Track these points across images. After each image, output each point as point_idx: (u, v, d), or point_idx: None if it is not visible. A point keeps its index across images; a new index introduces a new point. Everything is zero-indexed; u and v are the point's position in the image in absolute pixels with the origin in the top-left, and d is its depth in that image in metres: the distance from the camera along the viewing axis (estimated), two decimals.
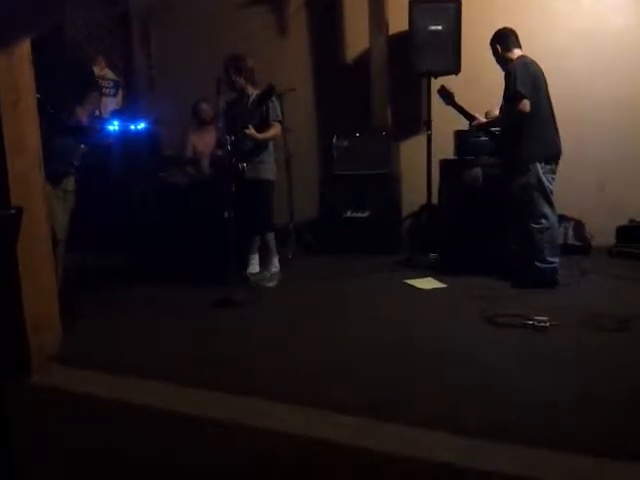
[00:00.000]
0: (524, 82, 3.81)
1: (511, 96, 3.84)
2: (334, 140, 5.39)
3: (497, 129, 4.23)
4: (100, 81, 6.19)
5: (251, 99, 4.25)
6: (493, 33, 4.15)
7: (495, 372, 2.53)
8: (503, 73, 4.09)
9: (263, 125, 4.17)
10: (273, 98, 4.15)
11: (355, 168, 5.30)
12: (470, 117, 4.25)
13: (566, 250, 4.87)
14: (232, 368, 2.68)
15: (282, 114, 4.39)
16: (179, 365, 2.73)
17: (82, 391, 2.40)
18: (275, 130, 4.21)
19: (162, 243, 4.78)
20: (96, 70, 6.16)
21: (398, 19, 5.24)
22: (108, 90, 6.26)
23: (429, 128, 5.05)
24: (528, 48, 5.22)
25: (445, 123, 5.05)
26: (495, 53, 4.13)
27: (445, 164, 4.95)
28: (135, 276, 4.53)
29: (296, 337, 3.14)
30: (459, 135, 4.97)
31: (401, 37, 5.30)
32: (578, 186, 5.06)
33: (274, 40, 5.93)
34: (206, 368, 2.68)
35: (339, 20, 5.83)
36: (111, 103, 6.27)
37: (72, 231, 3.60)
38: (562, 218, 5.02)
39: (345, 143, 5.37)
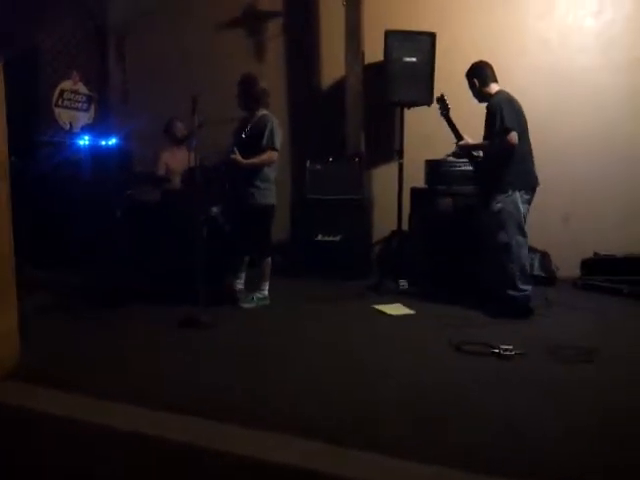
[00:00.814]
0: (511, 118, 3.86)
1: (499, 131, 3.87)
2: (307, 164, 5.43)
3: (478, 154, 4.26)
4: (72, 95, 6.14)
5: (252, 121, 4.22)
6: (469, 67, 4.20)
7: (461, 399, 2.53)
8: (476, 104, 4.17)
9: (257, 150, 4.13)
10: (274, 125, 4.13)
11: (327, 193, 5.33)
12: (459, 136, 4.24)
13: (533, 281, 4.96)
14: (192, 389, 2.62)
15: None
16: (139, 385, 2.66)
17: (37, 408, 2.31)
18: (265, 156, 4.13)
19: (131, 261, 4.69)
20: (69, 84, 6.12)
21: (373, 49, 5.34)
22: (80, 104, 6.21)
23: (401, 156, 5.13)
24: (500, 83, 5.40)
25: (417, 152, 5.15)
26: (472, 87, 4.17)
27: (416, 192, 5.02)
28: (104, 293, 4.43)
29: (260, 360, 3.09)
30: (430, 164, 5.06)
31: (376, 67, 5.40)
32: (544, 218, 5.17)
33: (250, 64, 5.95)
34: (166, 389, 2.62)
35: (316, 48, 5.92)
36: (83, 117, 6.20)
37: (40, 247, 3.51)
38: (529, 249, 5.12)
39: (318, 168, 5.41)
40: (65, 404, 2.38)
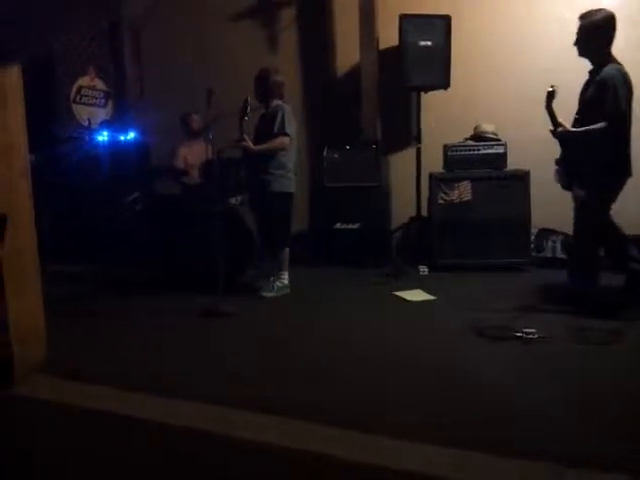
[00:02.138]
0: (625, 99, 3.36)
1: (610, 112, 3.35)
2: (324, 152, 5.42)
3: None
4: (90, 91, 6.20)
5: (269, 111, 4.26)
6: (599, 16, 3.47)
7: (486, 384, 2.52)
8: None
9: (269, 137, 4.16)
10: (285, 112, 4.14)
11: (345, 180, 5.32)
12: (557, 124, 3.77)
13: (555, 264, 4.91)
14: (213, 379, 2.65)
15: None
16: (164, 376, 2.69)
17: (66, 402, 2.36)
18: (277, 142, 4.15)
19: (152, 252, 4.75)
20: (86, 80, 6.18)
21: (388, 34, 5.30)
22: (98, 100, 6.27)
23: (418, 142, 5.09)
24: (518, 65, 5.32)
25: (434, 137, 5.10)
26: (591, 39, 3.49)
27: (434, 177, 4.99)
28: (125, 286, 4.50)
29: (282, 349, 3.11)
30: (448, 149, 5.02)
31: (391, 52, 5.35)
32: (566, 200, 5.09)
33: (265, 54, 5.96)
34: (191, 379, 2.65)
35: (330, 35, 5.88)
36: (101, 113, 6.27)
37: (61, 240, 3.58)
38: (551, 232, 5.08)
39: (335, 156, 5.40)
40: (92, 396, 2.42)
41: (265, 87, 4.25)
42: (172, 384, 2.57)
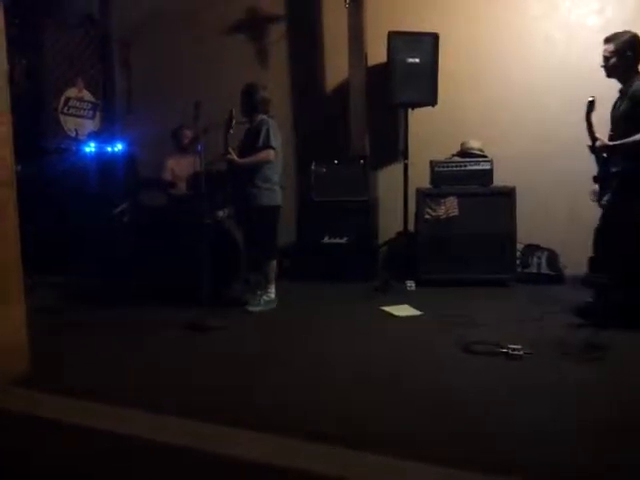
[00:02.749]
0: None
1: None
2: (312, 167, 5.43)
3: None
4: (77, 102, 6.18)
5: (253, 125, 4.27)
6: (627, 36, 3.61)
7: (468, 400, 2.52)
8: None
9: (253, 151, 4.16)
10: (269, 126, 4.15)
11: (333, 195, 5.34)
12: (594, 137, 3.81)
13: (540, 280, 4.95)
14: (199, 394, 2.62)
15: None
16: (147, 390, 2.66)
17: (46, 416, 2.32)
18: (262, 155, 4.15)
19: (138, 264, 4.72)
20: (74, 92, 6.16)
21: (377, 51, 5.35)
22: (86, 112, 6.25)
23: (406, 157, 5.13)
24: (504, 83, 5.41)
25: (422, 153, 5.15)
26: (621, 57, 3.58)
27: (421, 192, 5.02)
28: (110, 298, 4.46)
29: (268, 364, 3.09)
30: (435, 165, 5.06)
31: (380, 68, 5.40)
32: (552, 216, 5.16)
33: (254, 68, 5.99)
34: (173, 394, 2.62)
35: (319, 50, 5.93)
36: (88, 124, 6.25)
37: (47, 252, 3.54)
38: (536, 248, 5.13)
39: (323, 170, 5.42)
40: (72, 411, 2.38)
41: (251, 102, 4.26)
42: (155, 399, 2.54)
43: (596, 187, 3.83)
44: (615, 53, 3.58)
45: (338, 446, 2.04)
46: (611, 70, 3.64)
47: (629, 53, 3.55)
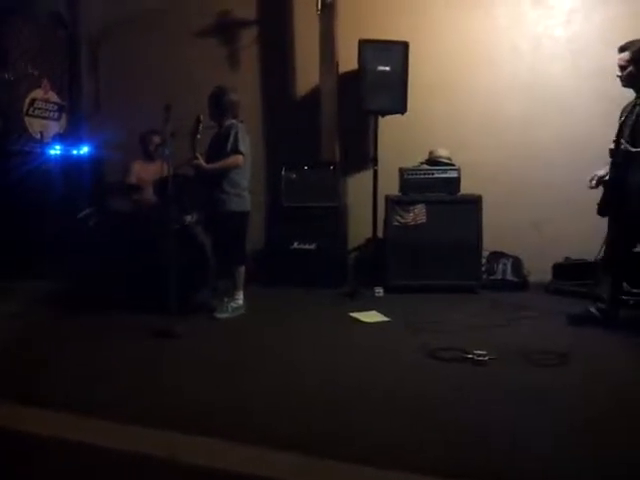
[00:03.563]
0: None
1: None
2: (282, 172, 5.43)
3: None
4: (43, 104, 6.05)
5: (221, 130, 4.23)
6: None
7: (437, 406, 2.55)
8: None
9: (222, 156, 4.13)
10: (238, 130, 4.13)
11: (303, 200, 5.34)
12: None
13: (504, 286, 5.04)
14: (166, 402, 2.59)
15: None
16: (114, 399, 2.62)
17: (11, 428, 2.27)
18: (231, 161, 4.12)
19: (103, 270, 4.64)
20: (40, 93, 6.03)
21: (348, 58, 5.38)
22: (51, 113, 6.11)
23: (375, 164, 5.17)
24: (472, 92, 5.50)
25: (391, 160, 5.19)
26: (637, 68, 3.49)
27: (390, 199, 5.06)
28: (75, 304, 4.37)
29: (236, 371, 3.07)
30: (404, 172, 5.11)
31: (350, 75, 5.44)
32: (516, 224, 5.26)
33: (224, 72, 5.95)
34: (141, 402, 2.59)
35: (290, 56, 5.93)
36: (54, 127, 6.11)
37: (8, 256, 3.46)
38: (501, 255, 5.22)
39: (293, 176, 5.42)
40: (41, 422, 2.33)
41: (219, 106, 4.23)
42: (120, 407, 2.50)
43: (597, 173, 3.72)
44: (631, 62, 3.47)
45: (302, 454, 2.04)
46: (628, 79, 3.55)
47: (634, 63, 3.46)
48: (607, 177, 3.63)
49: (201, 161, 4.11)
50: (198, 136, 4.06)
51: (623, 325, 3.71)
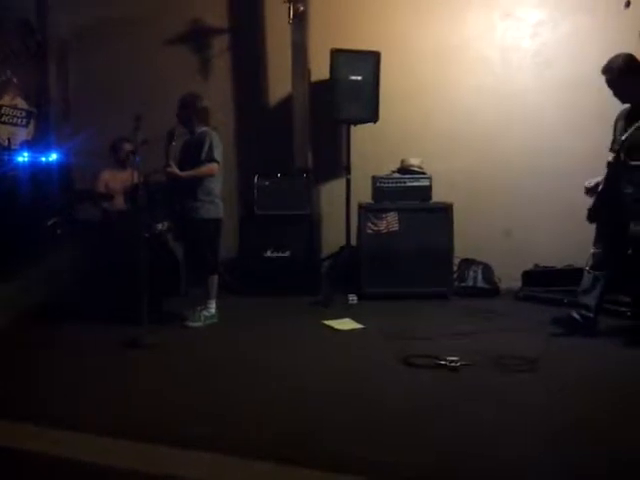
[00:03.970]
0: None
1: None
2: (255, 180, 5.41)
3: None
4: (10, 110, 5.93)
5: (194, 137, 4.21)
6: (622, 57, 3.53)
7: (410, 412, 2.56)
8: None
9: (196, 164, 4.10)
10: (212, 138, 4.11)
11: (276, 208, 5.33)
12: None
13: (475, 293, 5.10)
14: (137, 414, 2.55)
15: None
16: (82, 410, 2.56)
17: None
18: (206, 169, 4.11)
19: (72, 280, 4.54)
20: (7, 99, 5.91)
21: (320, 67, 5.42)
22: (19, 120, 6.00)
23: (348, 172, 5.20)
24: (442, 101, 5.58)
25: (363, 168, 5.23)
26: (627, 81, 3.50)
27: (363, 207, 5.09)
28: (42, 315, 4.27)
29: (209, 381, 3.04)
30: (376, 180, 5.15)
31: (322, 84, 5.46)
32: (486, 231, 5.34)
33: (196, 80, 5.91)
34: (112, 413, 2.54)
35: (262, 64, 5.94)
36: (22, 133, 6.00)
37: None
38: (472, 262, 5.28)
39: (266, 183, 5.41)
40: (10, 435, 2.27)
41: (190, 113, 4.20)
42: (89, 419, 2.45)
43: (592, 182, 3.70)
44: (619, 80, 3.51)
45: (276, 463, 2.03)
46: (623, 97, 3.57)
47: (631, 74, 3.48)
48: (601, 186, 3.65)
49: (175, 169, 4.07)
50: (173, 143, 4.03)
51: (602, 332, 3.76)
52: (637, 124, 3.44)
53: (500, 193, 5.42)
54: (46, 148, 5.77)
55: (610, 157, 3.57)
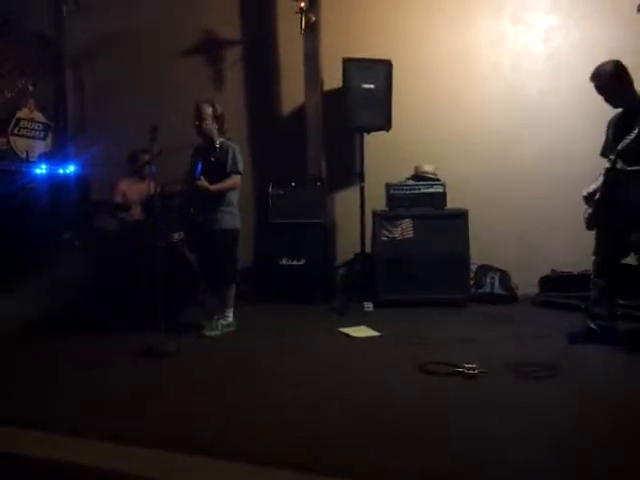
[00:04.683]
0: None
1: None
2: (270, 189, 5.45)
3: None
4: (29, 123, 6.04)
5: (217, 148, 4.20)
6: (610, 63, 3.52)
7: (427, 420, 2.55)
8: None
9: (221, 176, 4.14)
10: (235, 151, 4.16)
11: (290, 217, 5.36)
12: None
13: (492, 299, 5.07)
14: (159, 422, 2.56)
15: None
16: (99, 417, 2.59)
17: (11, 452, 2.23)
18: (231, 182, 4.16)
19: (90, 289, 4.59)
20: (25, 113, 6.02)
21: (332, 76, 5.45)
22: (37, 133, 6.10)
23: (362, 180, 5.21)
24: (455, 108, 5.58)
25: (377, 175, 5.24)
26: (617, 86, 3.49)
27: (377, 215, 5.09)
28: (61, 324, 4.32)
29: (226, 389, 3.05)
30: (390, 187, 5.16)
31: (335, 93, 5.50)
32: (502, 237, 5.31)
33: (209, 91, 5.97)
34: (129, 421, 2.56)
35: (275, 75, 5.99)
36: (40, 146, 6.10)
37: None
38: (488, 268, 5.25)
39: (281, 192, 5.44)
40: (28, 441, 2.30)
41: (210, 119, 4.17)
42: (111, 427, 2.47)
43: (590, 189, 3.65)
44: (608, 86, 3.52)
45: (296, 470, 2.03)
46: (615, 103, 3.57)
47: (620, 79, 3.48)
48: (598, 194, 3.58)
49: (205, 182, 4.08)
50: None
51: (624, 339, 3.65)
52: (633, 134, 3.36)
53: (515, 199, 5.39)
54: (63, 160, 5.86)
55: (607, 164, 3.51)
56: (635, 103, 3.49)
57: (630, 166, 3.41)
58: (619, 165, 3.42)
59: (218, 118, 4.22)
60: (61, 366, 3.49)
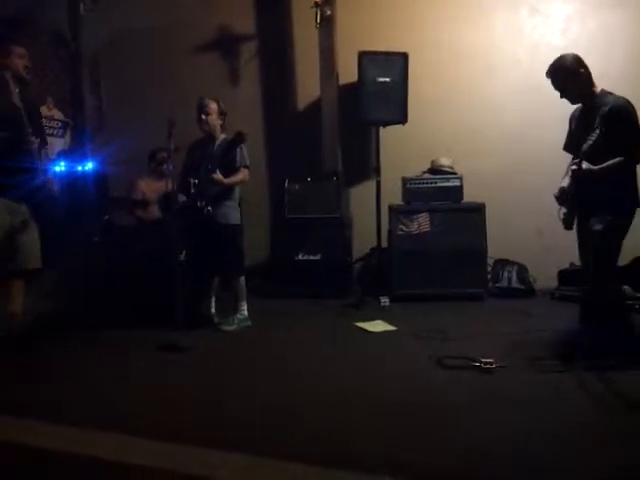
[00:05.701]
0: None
1: (628, 141, 3.20)
2: (286, 184, 5.46)
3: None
4: (47, 121, 6.10)
5: (217, 143, 4.23)
6: (568, 58, 3.45)
7: (443, 414, 2.54)
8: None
9: (230, 170, 4.15)
10: (243, 145, 4.15)
11: (306, 212, 5.37)
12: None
13: (510, 293, 5.04)
14: (170, 415, 2.59)
15: None
16: (116, 412, 2.62)
17: (17, 441, 2.27)
18: (242, 176, 4.19)
19: (108, 286, 4.65)
20: (44, 110, 6.08)
21: (348, 70, 5.43)
22: (56, 131, 6.17)
23: (378, 174, 5.19)
24: (472, 101, 5.53)
25: (393, 169, 5.22)
26: (575, 81, 3.39)
27: (393, 209, 5.08)
28: (79, 319, 4.37)
29: (245, 383, 3.07)
30: (406, 181, 5.14)
31: (350, 87, 5.48)
32: (520, 231, 5.27)
33: (226, 86, 6.01)
34: (145, 413, 2.59)
35: (290, 69, 5.99)
36: (58, 144, 6.17)
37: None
38: (506, 262, 5.22)
39: (297, 187, 5.45)
40: (50, 435, 2.34)
41: (215, 115, 4.22)
42: (125, 420, 2.50)
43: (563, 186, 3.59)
44: (563, 81, 3.44)
45: (313, 465, 2.04)
46: (571, 98, 3.52)
47: (575, 74, 3.39)
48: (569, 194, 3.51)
49: (220, 176, 4.07)
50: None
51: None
52: (594, 135, 3.30)
53: (533, 192, 5.32)
54: (82, 157, 5.92)
55: (573, 165, 3.39)
56: (594, 101, 3.38)
57: (595, 164, 3.28)
58: (585, 165, 3.28)
59: (222, 114, 4.26)
60: (77, 359, 3.53)
